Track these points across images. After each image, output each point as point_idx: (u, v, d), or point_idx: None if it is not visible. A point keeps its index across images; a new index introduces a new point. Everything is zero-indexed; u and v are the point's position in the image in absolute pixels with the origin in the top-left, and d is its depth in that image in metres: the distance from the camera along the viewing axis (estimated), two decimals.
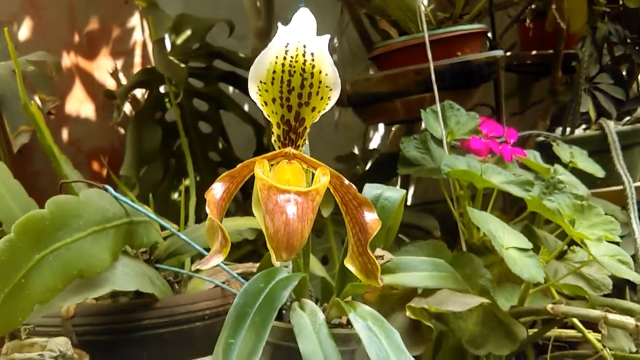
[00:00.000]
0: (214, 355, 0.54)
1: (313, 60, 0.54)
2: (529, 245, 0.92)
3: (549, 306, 0.88)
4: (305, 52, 0.53)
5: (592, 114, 1.86)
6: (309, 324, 0.68)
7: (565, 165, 1.33)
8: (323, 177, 0.56)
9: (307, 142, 0.59)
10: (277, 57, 0.53)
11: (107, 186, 0.93)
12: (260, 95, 0.55)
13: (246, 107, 1.93)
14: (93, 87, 1.81)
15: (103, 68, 1.82)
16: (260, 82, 0.55)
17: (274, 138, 0.58)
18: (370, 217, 0.57)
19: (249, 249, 1.46)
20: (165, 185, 1.62)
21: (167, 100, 1.69)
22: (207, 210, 0.54)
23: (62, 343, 0.78)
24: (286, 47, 0.53)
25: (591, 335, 1.07)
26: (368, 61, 1.74)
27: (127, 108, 1.83)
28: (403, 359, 0.61)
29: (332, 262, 1.48)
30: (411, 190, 2.31)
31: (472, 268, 1.02)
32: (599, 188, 1.48)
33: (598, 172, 1.37)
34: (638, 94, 1.96)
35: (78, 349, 0.89)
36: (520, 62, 2.03)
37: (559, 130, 1.73)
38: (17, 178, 0.99)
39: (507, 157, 1.15)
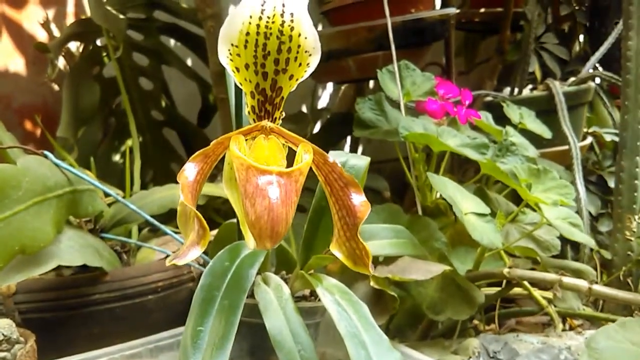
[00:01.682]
0: (181, 344, 0.50)
1: (292, 21, 0.48)
2: (486, 210, 0.92)
3: (505, 270, 0.89)
4: (284, 12, 0.48)
5: (538, 74, 1.89)
6: (274, 299, 0.66)
7: (514, 126, 1.34)
8: (305, 154, 0.51)
9: (283, 114, 0.55)
10: (251, 17, 0.48)
11: (47, 152, 0.86)
12: (231, 60, 0.50)
13: (189, 62, 1.84)
14: (22, 39, 1.66)
15: (33, 18, 1.67)
16: (232, 45, 0.49)
17: (247, 109, 0.53)
18: (359, 199, 0.53)
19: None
20: (105, 146, 1.53)
21: (104, 54, 1.58)
22: (181, 195, 0.48)
23: (5, 326, 0.72)
24: (262, 5, 0.48)
25: (537, 294, 1.11)
26: (319, 15, 1.68)
27: (61, 63, 1.70)
28: (373, 333, 0.59)
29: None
30: (360, 150, 2.30)
31: (428, 232, 1.02)
32: (545, 148, 1.51)
33: (546, 133, 1.39)
34: (580, 54, 2.01)
35: (22, 329, 0.84)
36: (468, 19, 2.02)
37: (507, 90, 1.75)
38: None
39: (462, 120, 1.14)
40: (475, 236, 0.85)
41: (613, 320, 1.07)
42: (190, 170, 0.50)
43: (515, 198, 1.19)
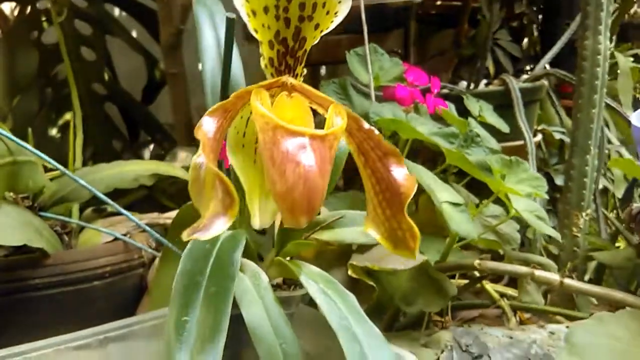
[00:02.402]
0: (165, 337, 0.43)
1: None
2: (460, 199, 0.89)
3: (477, 262, 0.87)
4: None
5: (492, 70, 1.91)
6: (252, 288, 0.60)
7: (474, 119, 1.34)
8: (337, 117, 0.44)
9: (305, 70, 0.48)
10: None
11: None
12: (247, 0, 0.42)
13: (134, 34, 1.73)
14: None
15: None
16: None
17: (264, 62, 0.45)
18: (402, 172, 0.47)
19: (142, 194, 1.31)
20: (41, 118, 1.41)
21: (44, 19, 1.44)
22: (201, 156, 0.39)
23: None
24: None
25: (489, 287, 1.10)
26: None
27: None
28: (365, 326, 0.55)
29: None
30: None
31: None
32: (499, 143, 1.52)
33: (503, 127, 1.39)
34: (530, 53, 2.04)
35: None
36: (425, 11, 2.01)
37: (462, 83, 1.75)
38: None
39: (430, 108, 1.11)
40: (452, 226, 0.82)
41: (565, 315, 1.09)
42: (209, 125, 0.42)
43: (472, 190, 1.18)
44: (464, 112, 1.36)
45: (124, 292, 0.90)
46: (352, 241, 0.76)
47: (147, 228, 0.80)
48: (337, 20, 0.45)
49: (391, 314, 0.91)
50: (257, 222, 0.50)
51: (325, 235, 0.73)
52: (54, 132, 1.46)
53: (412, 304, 0.83)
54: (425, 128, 1.05)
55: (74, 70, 1.48)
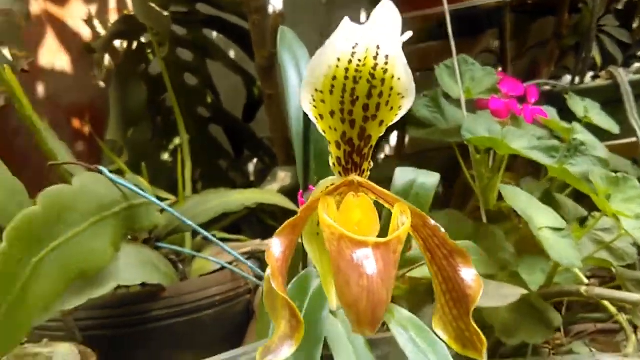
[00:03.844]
0: None
1: (387, 63, 0.42)
2: (562, 223, 0.86)
3: (583, 288, 0.83)
4: (377, 55, 0.42)
5: (598, 59, 1.78)
6: (344, 332, 0.62)
7: (579, 121, 1.26)
8: (402, 217, 0.45)
9: (371, 164, 0.49)
10: (339, 60, 0.42)
11: (101, 168, 0.84)
12: (314, 107, 0.44)
13: (232, 55, 1.80)
14: (66, 37, 1.65)
15: (76, 15, 1.66)
16: (316, 90, 0.43)
17: (332, 161, 0.47)
18: (469, 274, 0.46)
19: (244, 213, 1.37)
20: (153, 146, 1.51)
21: (148, 51, 1.55)
22: (272, 281, 0.41)
23: (67, 352, 0.71)
24: (354, 48, 0.42)
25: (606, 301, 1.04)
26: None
27: (107, 60, 1.68)
28: None
29: None
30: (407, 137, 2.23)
31: (494, 241, 0.97)
32: (608, 141, 1.43)
33: (613, 128, 1.30)
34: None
35: (83, 346, 0.83)
36: (520, 1, 1.91)
37: (566, 78, 1.65)
38: None
39: (528, 119, 1.07)
40: (553, 255, 0.79)
41: None
42: (277, 247, 0.44)
43: (580, 197, 1.12)
44: (567, 112, 1.29)
45: (233, 319, 0.96)
46: None
47: (246, 261, 0.85)
48: (402, 113, 0.45)
49: (495, 341, 0.90)
50: (334, 305, 0.53)
51: (416, 272, 0.73)
52: (166, 156, 1.56)
53: (513, 335, 0.82)
54: (522, 142, 1.02)
55: (179, 97, 1.58)
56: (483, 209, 1.05)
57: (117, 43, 1.67)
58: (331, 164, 0.48)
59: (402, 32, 0.43)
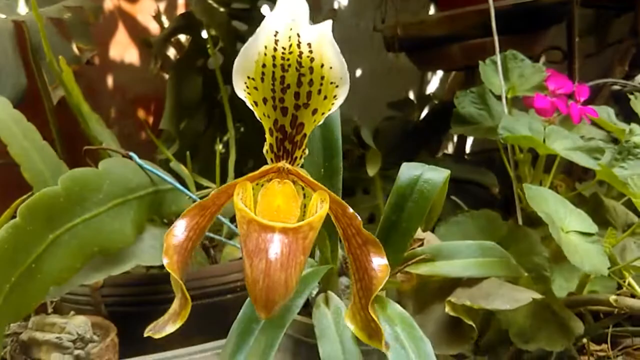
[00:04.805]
0: None
1: (311, 52, 0.42)
2: (593, 228, 0.80)
3: (612, 298, 0.78)
4: (300, 43, 0.42)
5: None
6: (332, 323, 0.62)
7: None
8: (320, 204, 0.45)
9: (306, 152, 0.49)
10: (266, 48, 0.43)
11: (131, 154, 0.88)
12: (248, 93, 0.45)
13: None
14: (136, 32, 1.74)
15: (146, 11, 1.75)
16: (248, 77, 0.44)
17: (266, 148, 0.48)
18: (378, 262, 0.46)
19: None
20: (207, 137, 1.56)
21: (209, 46, 1.60)
22: (164, 259, 0.44)
23: (80, 325, 0.75)
24: (275, 36, 0.42)
25: None
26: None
27: (172, 53, 1.76)
28: None
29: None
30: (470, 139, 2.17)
31: (528, 244, 0.92)
32: None
33: None
34: None
35: (106, 321, 0.87)
36: None
37: (638, 77, 1.54)
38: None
39: (575, 118, 1.01)
40: (574, 260, 0.74)
41: None
42: (179, 227, 0.45)
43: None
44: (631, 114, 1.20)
45: None
46: (455, 275, 0.74)
47: None
48: (338, 101, 0.45)
49: (515, 350, 0.85)
50: None
51: (422, 269, 0.71)
52: (221, 147, 1.61)
53: (530, 341, 0.78)
54: (565, 142, 0.96)
55: None
56: (519, 210, 1.00)
57: (183, 37, 1.75)
58: (264, 151, 0.48)
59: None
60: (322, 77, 0.43)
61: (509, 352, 0.89)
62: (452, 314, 0.69)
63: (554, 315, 0.78)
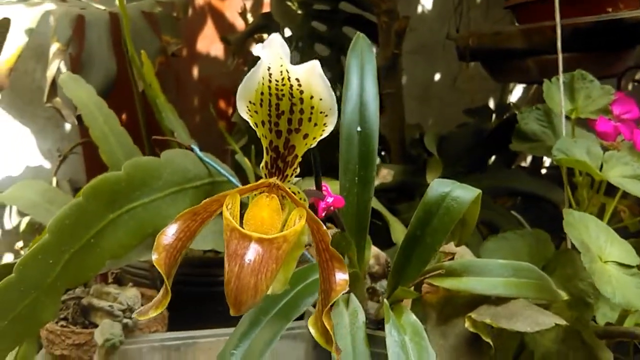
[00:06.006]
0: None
1: (300, 85, 0.47)
2: (635, 260, 0.78)
3: None
4: (289, 77, 0.47)
5: None
6: (348, 324, 0.66)
7: None
8: (298, 220, 0.50)
9: (297, 171, 0.53)
10: (263, 79, 0.48)
11: (193, 146, 0.95)
12: (250, 115, 0.50)
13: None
14: (223, 27, 1.84)
15: (234, 7, 1.84)
16: (250, 102, 0.49)
17: (262, 164, 0.53)
18: (339, 277, 0.49)
19: None
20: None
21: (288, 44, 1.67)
22: (153, 255, 0.50)
23: (132, 297, 0.83)
24: (269, 70, 0.47)
25: None
26: (503, 10, 1.56)
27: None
28: None
29: None
30: None
31: (574, 269, 0.91)
32: None
33: None
34: None
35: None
36: None
37: None
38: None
39: (639, 145, 0.97)
40: (604, 290, 0.73)
41: None
42: (171, 228, 0.51)
43: None
44: None
45: None
46: (481, 292, 0.75)
47: (307, 253, 0.90)
48: (328, 129, 0.49)
49: None
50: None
51: (448, 283, 0.73)
52: None
53: None
54: (622, 170, 0.94)
55: None
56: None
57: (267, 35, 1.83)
58: (260, 167, 0.53)
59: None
60: (312, 107, 0.48)
61: None
62: (471, 329, 0.71)
63: (583, 344, 0.77)
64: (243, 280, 0.45)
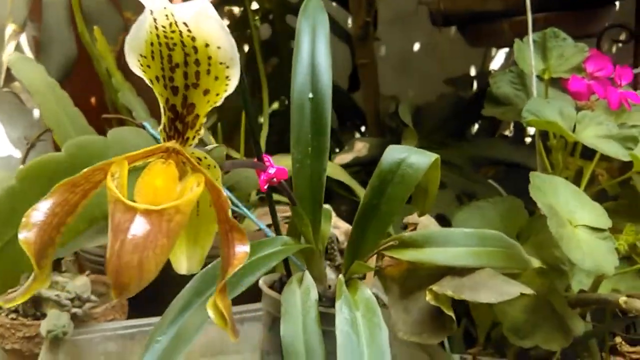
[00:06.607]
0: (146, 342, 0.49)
1: (190, 31, 0.41)
2: (606, 223, 0.74)
3: (622, 299, 0.72)
4: (176, 22, 0.41)
5: None
6: (299, 302, 0.62)
7: None
8: (195, 187, 0.45)
9: (200, 132, 0.48)
10: (149, 27, 0.42)
11: (145, 123, 0.90)
12: (143, 71, 0.45)
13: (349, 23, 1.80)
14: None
15: None
16: (140, 55, 0.44)
17: (160, 127, 0.48)
18: (239, 249, 0.45)
19: None
20: (254, 107, 1.58)
21: (257, 17, 1.61)
22: (20, 234, 0.44)
23: (80, 285, 0.79)
24: (152, 14, 0.41)
25: None
26: None
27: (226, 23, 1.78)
28: None
29: None
30: None
31: (548, 236, 0.87)
32: None
33: None
34: None
35: None
36: None
37: None
38: None
39: (613, 104, 0.93)
40: (573, 256, 0.69)
41: None
42: (44, 204, 0.45)
43: None
44: None
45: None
46: (445, 264, 0.71)
47: (263, 226, 0.86)
48: (232, 82, 0.43)
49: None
50: (183, 268, 0.53)
51: (408, 255, 0.69)
52: (261, 120, 1.63)
53: (525, 337, 0.74)
54: (597, 130, 0.90)
55: (282, 62, 1.63)
56: None
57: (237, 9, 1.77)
58: (158, 130, 0.48)
59: None
60: (209, 57, 0.42)
61: (513, 348, 0.86)
62: (432, 303, 0.67)
63: (554, 313, 0.74)
64: (124, 258, 0.40)
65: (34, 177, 0.72)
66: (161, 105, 0.47)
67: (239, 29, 1.56)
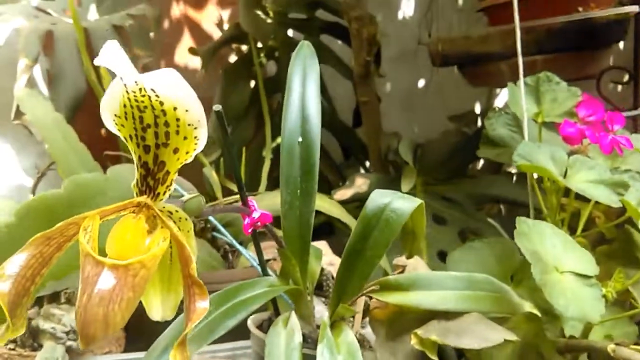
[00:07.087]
0: None
1: (158, 96, 0.43)
2: (594, 270, 0.75)
3: (610, 347, 0.72)
4: (143, 88, 0.43)
5: None
6: (283, 345, 0.63)
7: None
8: (161, 242, 0.47)
9: (170, 188, 0.50)
10: (122, 90, 0.44)
11: None
12: (119, 129, 0.47)
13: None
14: (201, 38, 1.82)
15: (211, 18, 1.83)
16: (115, 115, 0.46)
17: (133, 182, 0.50)
18: (199, 304, 0.47)
19: (322, 220, 1.40)
20: (255, 144, 1.61)
21: (262, 55, 1.65)
22: None
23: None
24: (122, 80, 0.43)
25: None
26: (477, 12, 1.54)
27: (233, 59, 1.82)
28: None
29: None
30: None
31: None
32: None
33: None
34: None
35: None
36: None
37: None
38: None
39: (605, 149, 0.94)
40: (557, 303, 0.70)
41: None
42: (19, 256, 0.47)
43: None
44: None
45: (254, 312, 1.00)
46: (429, 307, 0.72)
47: (255, 263, 0.88)
48: (201, 142, 0.46)
49: None
50: (157, 314, 0.54)
51: (393, 299, 0.70)
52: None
53: None
54: (588, 174, 0.91)
55: None
56: None
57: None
58: (132, 186, 0.50)
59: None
60: (178, 119, 0.45)
61: None
62: (417, 347, 0.68)
63: (541, 359, 0.74)
64: (90, 311, 0.42)
65: (33, 214, 0.74)
66: (134, 162, 0.49)
67: (246, 65, 1.59)
